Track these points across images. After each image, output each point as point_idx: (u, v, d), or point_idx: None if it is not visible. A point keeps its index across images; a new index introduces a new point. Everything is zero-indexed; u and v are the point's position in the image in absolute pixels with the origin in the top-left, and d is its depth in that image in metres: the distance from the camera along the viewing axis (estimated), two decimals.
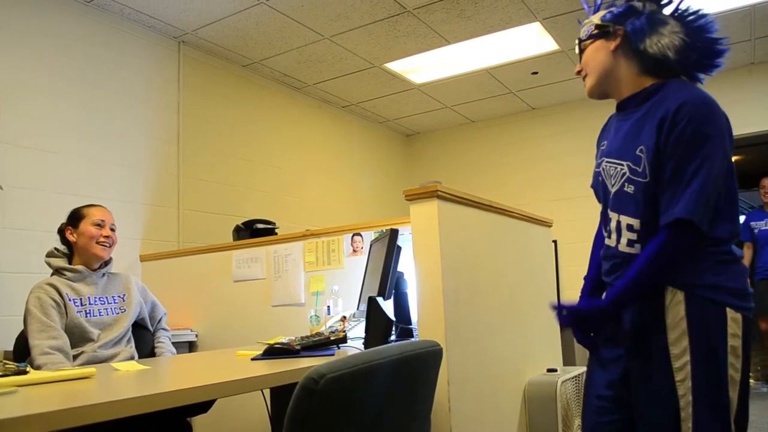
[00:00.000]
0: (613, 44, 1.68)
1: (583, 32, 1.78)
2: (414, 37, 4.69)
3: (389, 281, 2.26)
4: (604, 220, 1.73)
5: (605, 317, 1.64)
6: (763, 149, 5.92)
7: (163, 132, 4.40)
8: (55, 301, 2.35)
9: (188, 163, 4.55)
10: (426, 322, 2.25)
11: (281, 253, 3.35)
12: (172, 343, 2.79)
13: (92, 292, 2.49)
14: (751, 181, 6.29)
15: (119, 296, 2.58)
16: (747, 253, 5.41)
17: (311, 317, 2.92)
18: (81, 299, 2.44)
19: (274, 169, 5.36)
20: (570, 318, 1.68)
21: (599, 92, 1.76)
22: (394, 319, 2.24)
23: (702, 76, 1.68)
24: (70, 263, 2.52)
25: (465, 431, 2.27)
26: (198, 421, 2.84)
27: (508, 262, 2.89)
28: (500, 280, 2.78)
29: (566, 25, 4.60)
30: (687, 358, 1.49)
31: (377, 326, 2.11)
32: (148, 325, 2.71)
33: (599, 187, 1.75)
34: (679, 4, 1.66)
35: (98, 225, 2.53)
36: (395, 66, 5.25)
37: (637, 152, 1.58)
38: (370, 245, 2.74)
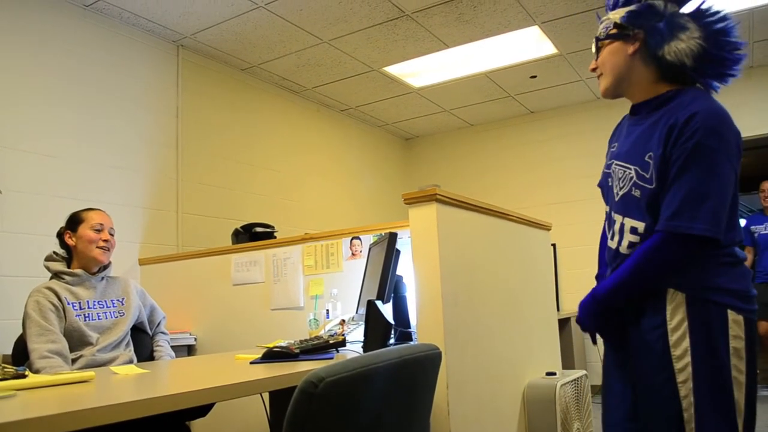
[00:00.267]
0: (631, 48, 1.67)
1: (602, 30, 1.76)
2: (413, 40, 4.70)
3: (388, 285, 2.26)
4: (609, 221, 1.74)
5: (591, 313, 1.68)
6: (762, 152, 5.93)
7: (162, 136, 4.40)
8: (53, 304, 2.35)
9: (187, 166, 4.55)
10: (425, 325, 2.25)
11: (280, 256, 3.35)
12: (171, 346, 2.78)
13: (91, 296, 2.49)
14: (751, 185, 6.29)
15: (118, 300, 2.58)
16: (747, 257, 5.40)
17: (310, 321, 2.92)
18: (80, 303, 2.44)
19: (273, 172, 5.36)
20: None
21: (613, 93, 1.76)
22: (393, 322, 2.24)
23: (717, 84, 1.68)
24: (68, 267, 2.52)
25: None
26: (197, 425, 2.83)
27: (507, 266, 2.89)
28: (499, 284, 2.78)
29: (565, 29, 4.61)
30: (688, 359, 1.50)
31: (376, 330, 2.11)
32: (146, 328, 2.71)
33: (606, 188, 1.77)
34: (701, 5, 1.64)
35: (97, 229, 2.53)
36: (394, 70, 5.26)
37: (646, 158, 1.59)
38: (369, 249, 2.74)
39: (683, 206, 1.49)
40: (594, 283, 1.81)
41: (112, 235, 2.59)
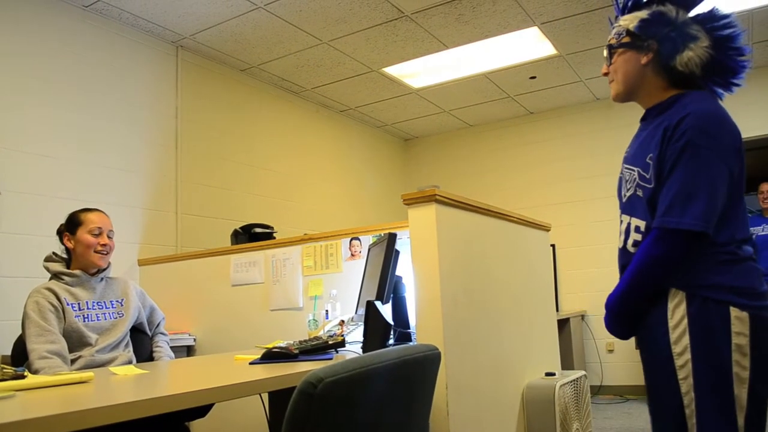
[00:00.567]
0: (644, 59, 1.71)
1: (614, 36, 1.79)
2: (412, 41, 4.70)
3: (387, 285, 2.26)
4: (619, 222, 1.79)
5: (610, 321, 1.73)
6: (761, 153, 5.94)
7: (161, 136, 4.40)
8: (53, 305, 2.35)
9: (186, 167, 4.55)
10: (424, 326, 2.25)
11: (279, 257, 3.35)
12: (171, 347, 2.78)
13: (90, 297, 2.49)
14: (749, 186, 6.28)
15: (117, 301, 2.58)
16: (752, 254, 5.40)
17: (309, 321, 2.92)
18: (79, 304, 2.44)
19: (272, 173, 5.36)
20: None
21: (624, 99, 1.82)
22: (392, 323, 2.24)
23: (722, 92, 1.74)
24: (68, 267, 2.51)
25: None
26: (196, 426, 2.83)
27: (506, 266, 2.89)
28: (498, 284, 2.78)
29: (564, 30, 4.62)
30: (688, 356, 1.53)
31: (375, 330, 2.11)
32: (146, 329, 2.71)
33: (618, 192, 1.82)
34: (711, 11, 1.69)
35: (95, 233, 2.49)
36: (393, 70, 5.26)
37: (647, 159, 1.64)
38: (369, 249, 2.74)
39: (673, 203, 1.54)
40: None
41: (110, 237, 2.56)
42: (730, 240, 1.56)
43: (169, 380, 1.89)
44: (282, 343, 2.22)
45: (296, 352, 1.98)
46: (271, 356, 1.99)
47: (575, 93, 6.06)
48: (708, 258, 1.55)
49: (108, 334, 2.47)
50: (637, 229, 1.66)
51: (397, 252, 2.36)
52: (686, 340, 1.53)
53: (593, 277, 6.14)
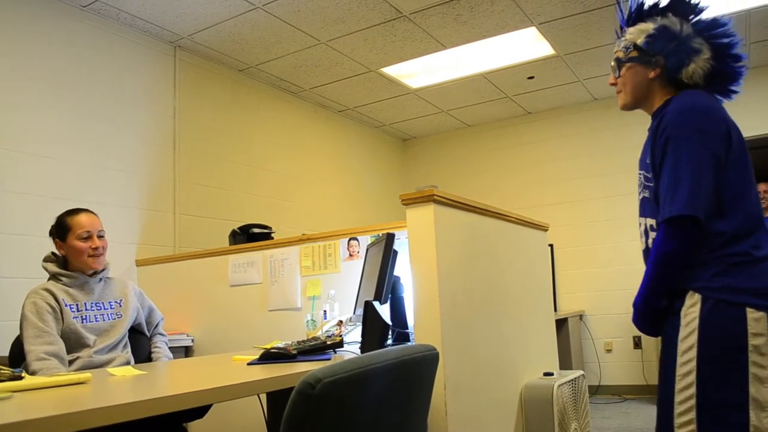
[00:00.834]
0: (652, 73, 1.79)
1: (622, 48, 1.85)
2: (410, 41, 4.70)
3: (386, 285, 2.26)
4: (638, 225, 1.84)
5: (638, 322, 1.75)
6: (759, 153, 5.95)
7: (159, 136, 4.40)
8: (51, 306, 2.34)
9: (184, 167, 4.55)
10: (422, 326, 2.25)
11: (277, 257, 3.35)
12: (169, 347, 2.78)
13: (88, 298, 2.48)
14: None
15: (116, 302, 2.57)
16: None
17: (308, 322, 2.91)
18: (77, 305, 2.43)
19: (270, 173, 5.36)
20: None
21: (632, 108, 1.90)
22: (390, 323, 2.24)
23: (721, 99, 1.82)
24: (66, 268, 2.50)
25: None
26: (194, 426, 2.83)
27: (504, 266, 2.89)
28: (496, 284, 2.78)
29: (562, 30, 4.62)
30: (693, 354, 1.57)
31: (374, 331, 2.11)
32: (144, 330, 2.70)
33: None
34: (712, 20, 1.75)
35: (85, 237, 2.45)
36: (391, 70, 5.26)
37: (648, 161, 1.73)
38: (367, 249, 2.74)
39: (665, 197, 1.60)
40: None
41: (101, 237, 2.52)
42: (734, 231, 1.58)
43: (167, 381, 1.88)
44: (280, 344, 2.22)
45: (294, 352, 1.98)
46: (270, 357, 1.99)
47: (573, 93, 6.06)
48: (719, 260, 1.58)
49: (106, 335, 2.46)
50: (652, 228, 1.72)
51: (396, 252, 2.36)
52: (693, 339, 1.57)
53: (591, 277, 6.14)
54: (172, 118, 4.53)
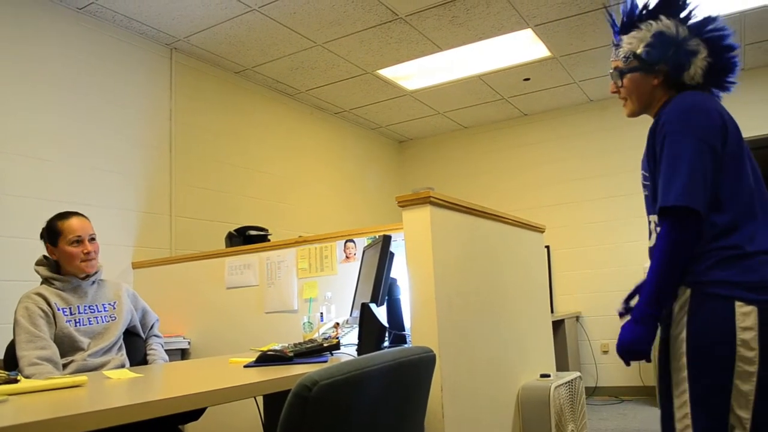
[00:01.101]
0: (655, 81, 1.80)
1: (621, 59, 1.85)
2: (406, 43, 4.70)
3: (382, 287, 2.26)
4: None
5: (641, 335, 1.62)
6: (756, 154, 5.96)
7: (155, 139, 4.39)
8: (43, 311, 2.32)
9: (180, 169, 4.54)
10: (419, 328, 2.25)
11: (274, 259, 3.35)
12: (165, 350, 2.77)
13: (82, 301, 2.47)
14: None
15: (109, 304, 2.56)
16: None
17: (304, 324, 2.91)
18: (70, 308, 2.42)
19: (267, 175, 5.35)
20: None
21: (638, 115, 1.91)
22: (387, 325, 2.24)
23: (720, 93, 1.84)
24: (59, 272, 2.49)
25: None
26: (190, 429, 2.82)
27: (500, 268, 2.89)
28: (493, 286, 2.78)
29: (558, 32, 4.63)
30: (683, 349, 1.58)
31: (370, 333, 2.11)
32: (139, 332, 2.69)
33: None
34: (704, 19, 1.77)
35: (76, 242, 2.43)
36: (387, 72, 5.26)
37: (646, 160, 1.76)
38: (363, 251, 2.74)
39: (662, 190, 1.61)
40: None
41: (93, 240, 2.50)
42: (727, 226, 1.58)
43: (163, 384, 1.88)
44: (277, 346, 2.22)
45: (291, 354, 1.98)
46: (266, 359, 1.98)
47: (569, 95, 6.07)
48: (711, 254, 1.58)
49: (100, 337, 2.45)
50: (656, 225, 1.74)
51: (392, 254, 2.36)
52: (684, 333, 1.58)
53: (588, 279, 6.15)
54: (169, 120, 4.52)
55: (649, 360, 1.64)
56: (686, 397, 1.57)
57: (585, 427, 3.00)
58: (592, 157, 6.16)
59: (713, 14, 1.79)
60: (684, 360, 1.57)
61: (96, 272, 2.55)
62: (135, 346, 2.65)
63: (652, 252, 1.75)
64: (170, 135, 4.51)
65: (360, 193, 6.61)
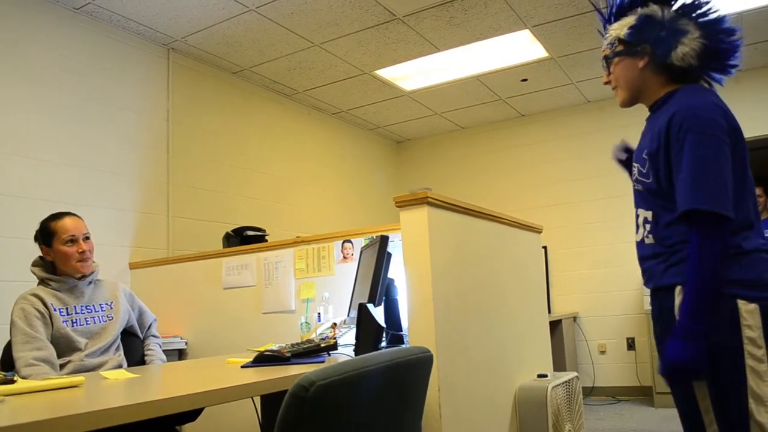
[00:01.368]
0: (641, 63, 1.76)
1: (608, 47, 1.84)
2: (404, 44, 4.70)
3: (380, 288, 2.26)
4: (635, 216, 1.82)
5: (692, 352, 1.54)
6: (752, 156, 5.98)
7: (152, 139, 4.39)
8: (39, 311, 2.32)
9: (178, 170, 4.54)
10: (416, 328, 2.25)
11: (271, 260, 3.35)
12: (162, 350, 2.76)
13: (78, 301, 2.46)
14: None
15: (106, 304, 2.55)
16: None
17: (302, 324, 2.91)
18: (67, 309, 2.41)
19: (264, 175, 5.35)
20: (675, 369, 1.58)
21: (630, 104, 1.86)
22: (384, 325, 2.24)
23: (721, 77, 1.78)
24: (55, 272, 2.48)
25: None
26: (187, 429, 2.82)
27: (498, 269, 2.90)
28: (490, 286, 2.78)
29: (555, 33, 4.63)
30: None
31: (368, 333, 2.11)
32: (137, 332, 2.69)
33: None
34: (693, 4, 1.72)
35: (70, 242, 2.43)
36: (385, 73, 5.26)
37: (644, 155, 1.70)
38: (361, 252, 2.74)
39: (691, 193, 1.54)
40: None
41: (87, 239, 2.49)
42: (734, 224, 1.57)
43: (160, 384, 1.88)
44: (274, 346, 2.22)
45: (288, 355, 1.98)
46: (263, 359, 1.98)
47: (566, 95, 6.08)
48: None
49: (98, 338, 2.45)
50: (646, 220, 1.71)
51: (389, 254, 2.36)
52: None
53: (585, 279, 6.15)
54: (166, 120, 4.52)
55: (700, 379, 1.55)
56: (707, 403, 1.54)
57: (582, 427, 3.00)
58: (590, 157, 6.16)
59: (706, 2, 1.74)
60: None
61: (92, 272, 2.54)
62: (133, 347, 2.65)
63: (640, 245, 1.75)
64: (167, 135, 4.51)
65: (357, 194, 6.61)
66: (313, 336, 2.72)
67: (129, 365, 2.53)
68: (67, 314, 2.41)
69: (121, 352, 2.53)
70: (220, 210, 4.81)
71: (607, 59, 1.85)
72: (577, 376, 3.06)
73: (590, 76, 5.54)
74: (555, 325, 5.45)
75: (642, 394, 5.67)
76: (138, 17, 4.11)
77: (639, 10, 1.76)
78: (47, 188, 3.64)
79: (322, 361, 1.96)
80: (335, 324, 2.71)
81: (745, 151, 1.66)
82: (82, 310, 2.46)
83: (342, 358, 1.31)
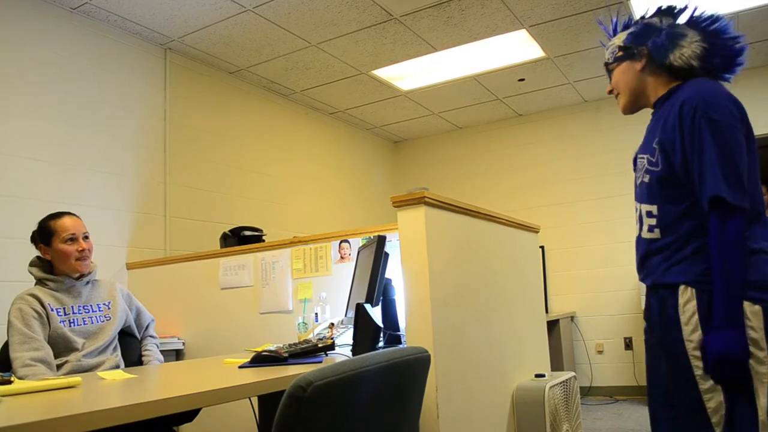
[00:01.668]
0: (639, 65, 1.79)
1: (609, 55, 1.88)
2: (401, 44, 4.70)
3: (377, 288, 2.26)
4: (635, 212, 1.81)
5: (734, 342, 1.51)
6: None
7: (149, 139, 4.38)
8: (36, 312, 2.31)
9: (175, 169, 4.53)
10: (414, 328, 2.25)
11: (269, 260, 3.34)
12: (160, 350, 2.76)
13: (76, 301, 2.46)
14: None
15: (104, 304, 2.55)
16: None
17: (299, 324, 2.91)
18: (64, 309, 2.41)
19: (262, 175, 5.35)
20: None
21: (632, 109, 1.87)
22: (382, 325, 2.24)
23: (727, 75, 1.79)
24: (52, 272, 2.48)
25: None
26: (185, 430, 2.81)
27: (495, 268, 2.90)
28: (488, 286, 2.79)
29: (552, 33, 4.64)
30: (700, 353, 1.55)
31: (365, 333, 2.11)
32: (135, 332, 2.68)
33: (634, 183, 1.85)
34: (693, 13, 1.77)
35: (70, 240, 2.43)
36: (382, 73, 5.26)
37: (654, 145, 1.69)
38: (358, 252, 2.74)
39: (714, 180, 1.53)
40: None
41: (86, 238, 2.50)
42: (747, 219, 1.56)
43: (158, 384, 1.87)
44: (271, 347, 2.21)
45: (286, 355, 1.98)
46: (261, 360, 1.98)
47: (563, 95, 6.09)
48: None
49: (95, 338, 2.45)
50: (649, 214, 1.70)
51: (387, 254, 2.36)
52: (697, 334, 1.55)
53: (582, 279, 6.16)
54: (163, 120, 4.51)
55: (746, 368, 1.50)
56: (719, 399, 1.53)
57: (580, 427, 3.01)
58: (587, 157, 6.17)
59: (707, 11, 1.78)
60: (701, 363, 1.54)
61: (90, 272, 2.54)
62: (130, 347, 2.64)
63: (639, 241, 1.75)
64: (165, 135, 4.50)
65: (355, 194, 6.61)
66: (310, 336, 2.72)
67: (126, 365, 2.53)
68: (65, 314, 2.40)
69: (119, 352, 2.53)
70: (217, 210, 4.81)
71: (608, 66, 1.89)
72: (574, 376, 3.06)
73: (587, 75, 5.55)
74: (552, 325, 5.46)
75: (639, 394, 5.68)
76: (135, 17, 4.11)
77: (640, 21, 1.83)
78: (44, 189, 3.63)
79: (320, 362, 1.96)
80: (332, 324, 2.71)
81: (754, 141, 1.65)
82: (79, 310, 2.45)
83: (339, 359, 1.31)
